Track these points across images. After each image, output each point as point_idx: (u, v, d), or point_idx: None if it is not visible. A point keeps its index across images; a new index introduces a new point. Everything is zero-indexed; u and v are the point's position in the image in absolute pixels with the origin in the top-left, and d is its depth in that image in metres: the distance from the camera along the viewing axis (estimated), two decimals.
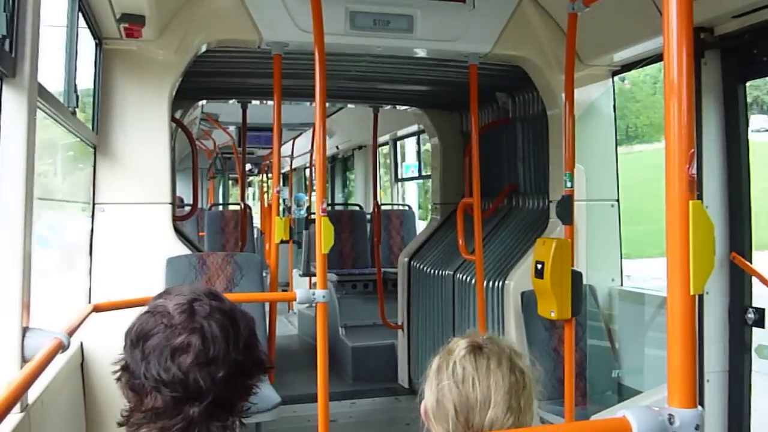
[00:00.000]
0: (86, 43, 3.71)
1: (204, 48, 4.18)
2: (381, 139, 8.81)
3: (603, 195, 4.74)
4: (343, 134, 10.40)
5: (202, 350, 1.41)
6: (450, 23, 4.34)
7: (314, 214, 5.89)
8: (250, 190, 19.75)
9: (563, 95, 3.71)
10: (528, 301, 4.34)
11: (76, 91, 3.40)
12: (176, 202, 5.27)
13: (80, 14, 3.39)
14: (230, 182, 19.33)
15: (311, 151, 10.22)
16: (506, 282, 4.67)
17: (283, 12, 4.09)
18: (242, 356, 1.48)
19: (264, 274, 4.69)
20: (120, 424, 1.47)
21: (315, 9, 3.38)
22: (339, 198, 12.48)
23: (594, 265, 4.62)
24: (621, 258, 4.76)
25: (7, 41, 2.15)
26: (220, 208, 13.25)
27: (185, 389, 1.40)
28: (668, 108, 1.33)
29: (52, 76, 3.04)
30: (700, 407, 1.31)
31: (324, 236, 3.33)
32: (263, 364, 1.55)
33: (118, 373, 1.47)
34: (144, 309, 1.51)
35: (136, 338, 1.45)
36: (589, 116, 4.66)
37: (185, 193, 9.17)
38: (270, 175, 14.40)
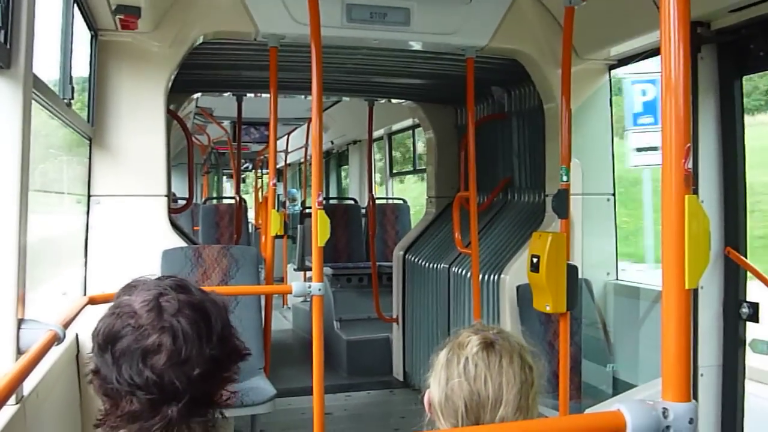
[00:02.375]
0: (82, 34, 3.70)
1: (200, 40, 4.16)
2: (376, 134, 8.80)
3: (599, 189, 4.74)
4: (337, 129, 10.36)
5: (175, 350, 1.36)
6: (447, 16, 4.32)
7: (310, 208, 5.87)
8: (242, 187, 19.63)
9: (560, 89, 3.71)
10: (523, 294, 4.34)
11: (71, 82, 3.38)
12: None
13: (75, 5, 3.37)
14: (224, 177, 19.24)
15: (306, 146, 10.18)
16: (502, 276, 4.67)
17: (279, 4, 4.07)
18: (217, 350, 1.42)
19: (260, 268, 4.69)
20: (96, 426, 1.42)
21: (311, 1, 3.37)
22: (333, 194, 12.42)
23: (589, 259, 4.64)
24: (616, 252, 4.78)
25: (2, 32, 2.14)
26: (215, 201, 13.19)
27: (161, 391, 1.35)
28: (665, 102, 1.33)
29: (47, 68, 3.02)
30: (694, 401, 1.31)
31: (320, 229, 3.32)
32: (239, 353, 1.49)
33: (89, 377, 1.42)
34: (108, 309, 1.44)
35: (104, 342, 1.39)
36: (585, 110, 4.66)
37: (178, 189, 9.11)
38: (264, 170, 14.33)
